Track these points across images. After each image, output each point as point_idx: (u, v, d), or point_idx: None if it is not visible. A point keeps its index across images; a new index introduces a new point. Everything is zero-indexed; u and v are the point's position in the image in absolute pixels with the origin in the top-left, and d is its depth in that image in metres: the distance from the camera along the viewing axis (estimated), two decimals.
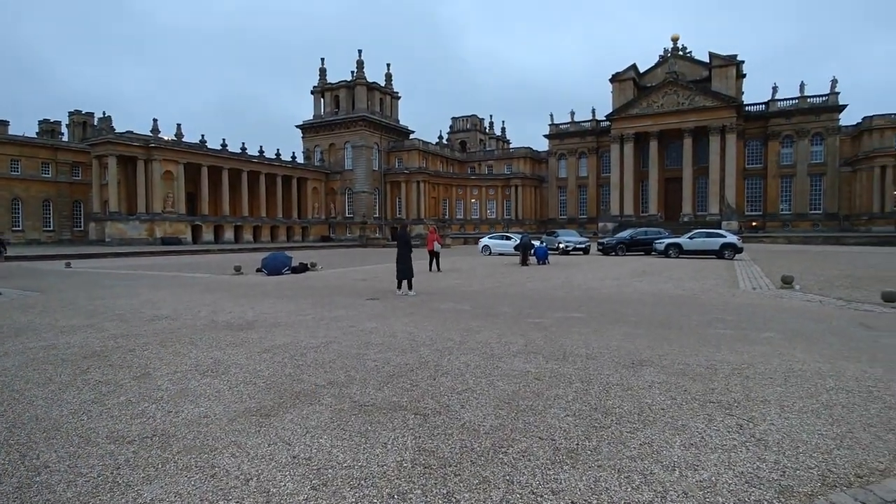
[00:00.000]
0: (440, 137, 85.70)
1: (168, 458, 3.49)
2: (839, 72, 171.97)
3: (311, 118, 76.03)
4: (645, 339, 7.18)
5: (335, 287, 14.85)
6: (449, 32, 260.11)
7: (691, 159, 62.82)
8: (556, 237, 34.83)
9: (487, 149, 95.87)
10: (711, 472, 3.21)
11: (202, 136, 58.71)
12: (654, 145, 64.90)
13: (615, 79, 69.31)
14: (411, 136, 79.22)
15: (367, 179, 72.08)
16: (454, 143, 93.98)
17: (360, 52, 72.35)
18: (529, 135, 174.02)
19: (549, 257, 26.07)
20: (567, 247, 32.69)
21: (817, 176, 62.58)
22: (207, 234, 58.25)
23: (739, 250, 26.63)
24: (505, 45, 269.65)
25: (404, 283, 12.94)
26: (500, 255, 31.77)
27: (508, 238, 33.41)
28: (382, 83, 76.52)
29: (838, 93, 60.95)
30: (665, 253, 28.16)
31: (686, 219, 60.17)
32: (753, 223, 62.85)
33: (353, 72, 73.03)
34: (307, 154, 75.06)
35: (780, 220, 63.08)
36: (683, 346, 6.74)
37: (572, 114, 77.88)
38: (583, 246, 33.10)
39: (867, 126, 60.14)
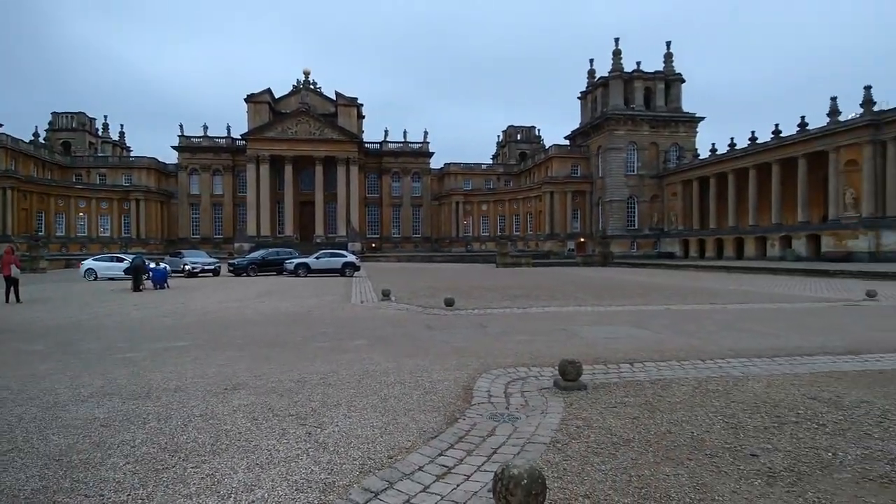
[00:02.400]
0: (35, 135, 66.44)
1: None
2: (429, 125, 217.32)
3: None
4: (246, 361, 7.11)
5: None
6: (37, 14, 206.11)
7: (322, 185, 67.97)
8: (181, 258, 31.70)
9: (100, 154, 79.46)
10: (267, 488, 3.29)
11: None
12: (289, 169, 67.36)
13: (251, 99, 68.93)
14: None
15: None
16: (55, 143, 74.23)
17: None
18: (156, 145, 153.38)
19: (173, 280, 23.54)
20: (194, 268, 30.20)
21: (417, 207, 77.64)
22: None
23: (357, 268, 30.17)
24: (120, 43, 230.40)
25: None
26: (110, 279, 26.86)
27: (120, 260, 28.54)
28: None
29: (429, 142, 77.78)
30: (295, 272, 29.32)
31: (319, 240, 64.40)
32: (373, 244, 72.70)
33: None
34: None
35: (392, 242, 75.38)
36: (282, 363, 6.97)
37: (205, 128, 73.24)
38: (212, 267, 31.18)
39: (447, 170, 79.84)
